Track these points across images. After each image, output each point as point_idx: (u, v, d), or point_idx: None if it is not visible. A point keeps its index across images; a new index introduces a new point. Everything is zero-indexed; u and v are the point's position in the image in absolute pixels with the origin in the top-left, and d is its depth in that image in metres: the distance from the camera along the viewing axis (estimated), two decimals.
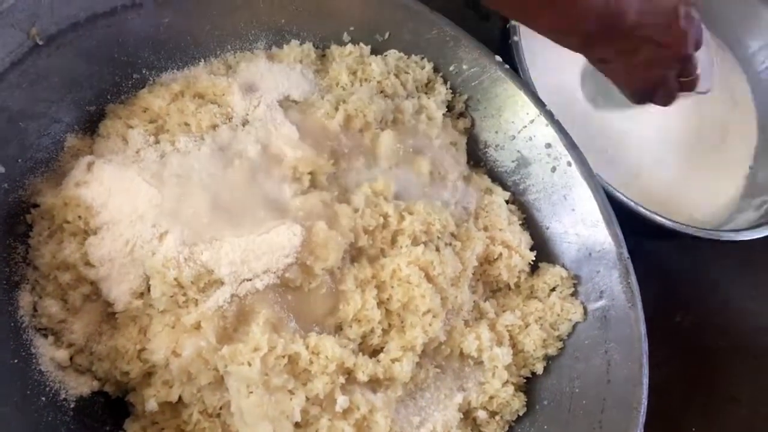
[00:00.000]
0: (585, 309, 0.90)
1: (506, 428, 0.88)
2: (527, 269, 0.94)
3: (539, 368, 0.89)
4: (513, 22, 1.04)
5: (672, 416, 1.09)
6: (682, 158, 1.23)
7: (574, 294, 0.92)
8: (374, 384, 0.81)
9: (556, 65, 1.06)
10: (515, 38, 1.04)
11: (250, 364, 0.72)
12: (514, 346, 0.89)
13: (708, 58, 0.91)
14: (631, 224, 0.94)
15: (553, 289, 0.92)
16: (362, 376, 0.78)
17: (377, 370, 0.79)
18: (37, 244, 0.78)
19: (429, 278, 0.83)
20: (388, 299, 0.82)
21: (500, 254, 0.91)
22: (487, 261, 0.92)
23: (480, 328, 0.87)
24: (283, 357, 0.74)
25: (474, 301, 0.90)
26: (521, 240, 0.93)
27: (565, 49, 0.80)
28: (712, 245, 1.08)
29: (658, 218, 1.03)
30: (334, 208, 0.84)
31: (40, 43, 0.78)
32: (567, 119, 0.96)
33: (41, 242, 0.78)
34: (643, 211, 1.02)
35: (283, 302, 0.79)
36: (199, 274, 0.75)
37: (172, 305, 0.76)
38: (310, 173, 0.84)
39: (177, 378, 0.75)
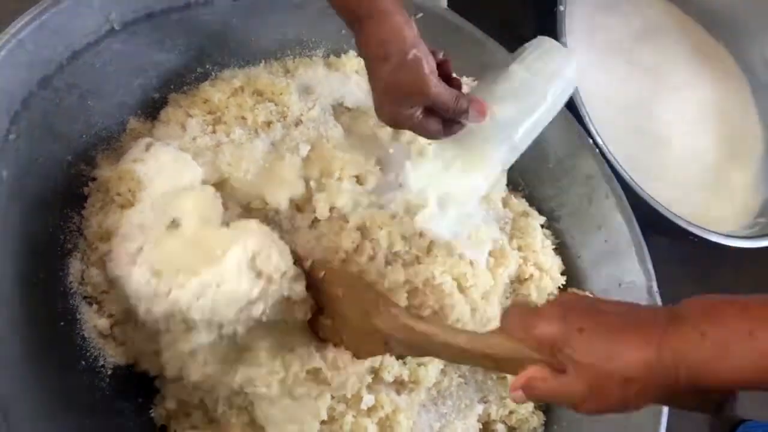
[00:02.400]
0: None
1: None
2: (556, 293, 0.96)
3: None
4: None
5: None
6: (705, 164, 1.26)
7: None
8: (399, 386, 0.83)
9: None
10: (560, 7, 1.07)
11: (268, 387, 0.74)
12: None
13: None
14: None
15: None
16: (388, 377, 0.80)
17: (403, 372, 0.81)
18: (89, 215, 0.82)
19: (461, 289, 0.85)
20: (419, 305, 0.84)
21: (532, 275, 0.93)
22: (518, 280, 0.94)
23: None
24: (303, 372, 0.76)
25: None
26: (553, 264, 0.95)
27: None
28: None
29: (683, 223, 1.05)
30: (370, 211, 0.86)
31: (117, 28, 0.82)
32: (603, 98, 1.02)
33: (93, 213, 0.81)
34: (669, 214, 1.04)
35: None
36: None
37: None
38: (356, 176, 0.87)
39: (193, 389, 0.78)
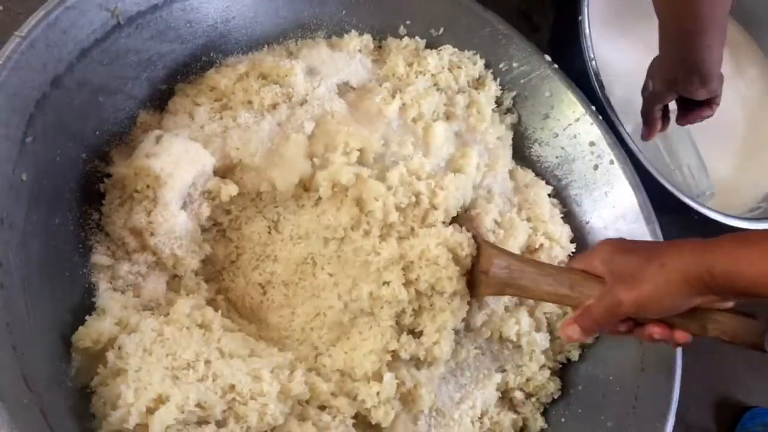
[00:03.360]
0: None
1: (541, 410, 0.93)
2: (566, 261, 0.98)
3: (575, 355, 0.93)
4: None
5: None
6: (725, 143, 1.29)
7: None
8: (418, 362, 0.85)
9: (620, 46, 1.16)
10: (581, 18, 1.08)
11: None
12: (551, 332, 0.93)
13: None
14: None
15: None
16: (405, 354, 0.83)
17: (419, 351, 0.83)
18: (109, 212, 0.83)
19: (456, 260, 0.86)
20: (416, 279, 0.84)
21: (542, 244, 0.95)
22: (528, 250, 0.96)
23: (520, 313, 0.91)
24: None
25: None
26: (562, 232, 0.97)
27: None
28: None
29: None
30: (368, 183, 0.87)
31: (122, 22, 0.82)
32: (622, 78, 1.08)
33: (113, 210, 0.83)
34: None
35: None
36: None
37: None
38: (360, 150, 0.89)
39: None
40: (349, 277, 0.88)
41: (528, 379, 0.91)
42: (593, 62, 1.05)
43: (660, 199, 0.97)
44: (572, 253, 0.98)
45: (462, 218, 0.93)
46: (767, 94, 1.37)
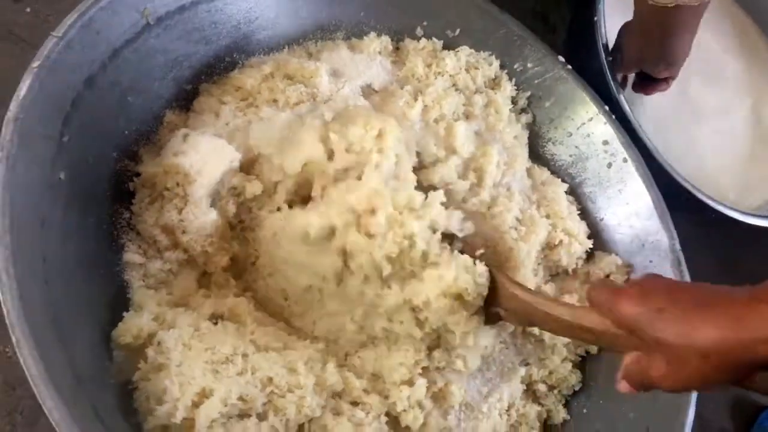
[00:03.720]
0: None
1: (563, 401, 0.95)
2: (584, 257, 1.00)
3: (595, 348, 0.96)
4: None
5: None
6: (737, 139, 1.32)
7: (628, 281, 0.98)
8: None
9: None
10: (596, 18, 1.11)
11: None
12: None
13: None
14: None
15: (608, 276, 0.99)
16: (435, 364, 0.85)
17: (450, 362, 0.86)
18: (139, 210, 0.83)
19: (464, 304, 0.82)
20: (426, 320, 0.83)
21: (561, 241, 0.97)
22: (548, 247, 0.98)
23: None
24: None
25: (536, 284, 0.96)
26: (580, 228, 0.99)
27: None
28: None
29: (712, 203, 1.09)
30: (351, 235, 0.82)
31: (151, 23, 0.83)
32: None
33: (143, 208, 0.83)
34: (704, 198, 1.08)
35: None
36: None
37: None
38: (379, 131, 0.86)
39: None
40: (360, 307, 0.85)
41: (551, 372, 0.93)
42: (609, 61, 1.08)
43: (675, 196, 0.99)
44: (589, 249, 1.00)
45: (476, 237, 0.91)
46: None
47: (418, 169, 0.93)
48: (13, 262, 0.62)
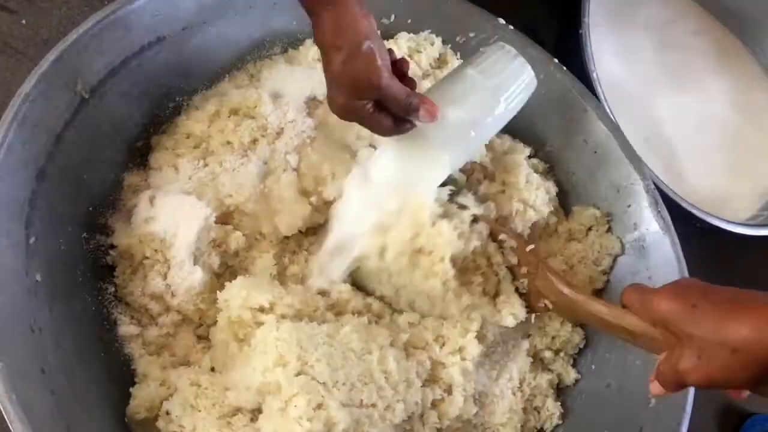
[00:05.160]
0: (622, 242, 0.98)
1: (571, 362, 0.97)
2: (553, 218, 1.01)
3: None
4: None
5: None
6: (720, 150, 1.34)
7: (610, 230, 0.99)
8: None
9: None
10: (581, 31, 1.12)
11: None
12: None
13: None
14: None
15: (590, 229, 1.00)
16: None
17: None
18: (123, 283, 0.84)
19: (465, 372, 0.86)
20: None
21: (517, 210, 0.97)
22: (503, 218, 0.97)
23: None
24: None
25: None
26: (537, 196, 0.98)
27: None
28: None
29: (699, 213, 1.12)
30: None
31: (86, 96, 0.82)
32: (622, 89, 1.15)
33: (127, 280, 0.84)
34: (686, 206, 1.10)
35: None
36: None
37: None
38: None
39: None
40: None
41: (553, 338, 0.95)
42: (594, 73, 1.08)
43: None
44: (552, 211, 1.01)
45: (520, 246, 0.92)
46: (760, 99, 1.41)
47: None
48: (13, 387, 0.63)
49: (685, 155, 1.28)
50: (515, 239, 0.90)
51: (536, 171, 1.03)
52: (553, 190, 1.02)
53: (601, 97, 1.07)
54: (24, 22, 1.07)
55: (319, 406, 0.72)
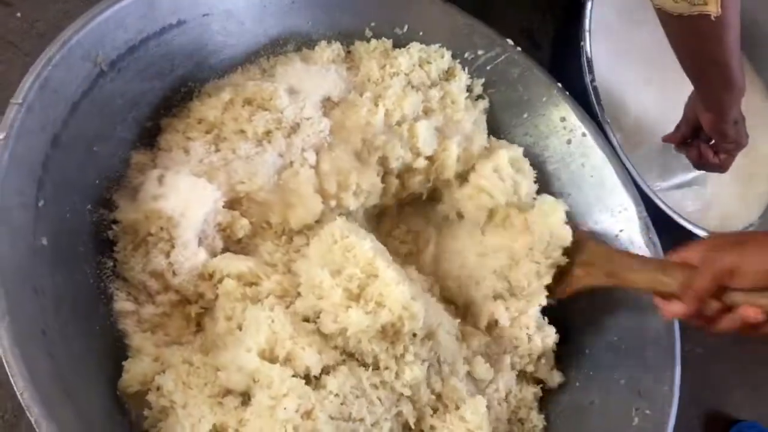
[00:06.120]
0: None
1: (553, 362, 0.99)
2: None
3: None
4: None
5: None
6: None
7: None
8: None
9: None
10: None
11: None
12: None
13: None
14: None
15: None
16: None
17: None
18: (124, 258, 0.84)
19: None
20: None
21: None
22: None
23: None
24: None
25: None
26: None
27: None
28: None
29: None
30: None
31: (105, 69, 0.82)
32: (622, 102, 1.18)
33: (128, 255, 0.84)
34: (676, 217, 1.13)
35: None
36: None
37: None
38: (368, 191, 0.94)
39: None
40: None
41: (529, 354, 0.97)
42: (594, 84, 1.10)
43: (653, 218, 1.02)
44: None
45: None
46: (760, 112, 1.45)
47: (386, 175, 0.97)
48: (17, 343, 0.63)
49: (682, 166, 1.31)
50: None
51: None
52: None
53: (597, 108, 1.10)
54: (19, 15, 1.08)
55: (308, 415, 0.73)
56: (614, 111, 1.23)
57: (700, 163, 1.15)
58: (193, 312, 0.84)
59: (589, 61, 1.10)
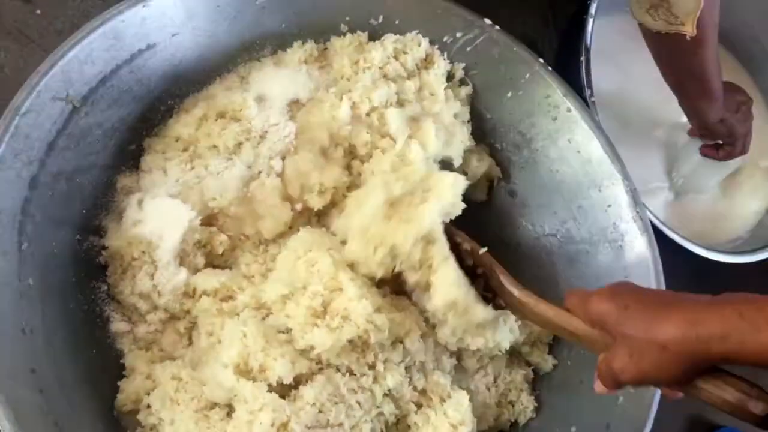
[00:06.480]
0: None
1: (547, 350, 1.01)
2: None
3: None
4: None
5: None
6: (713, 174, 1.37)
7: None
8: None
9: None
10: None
11: None
12: None
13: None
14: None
15: None
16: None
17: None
18: (115, 282, 0.90)
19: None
20: None
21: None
22: None
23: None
24: None
25: None
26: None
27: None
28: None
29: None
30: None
31: (77, 105, 0.86)
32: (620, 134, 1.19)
33: (117, 279, 0.89)
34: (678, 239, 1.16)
35: None
36: None
37: None
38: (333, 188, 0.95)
39: None
40: None
41: (530, 332, 0.99)
42: (593, 99, 1.12)
43: None
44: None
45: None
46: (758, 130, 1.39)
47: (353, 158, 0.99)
48: (2, 389, 0.68)
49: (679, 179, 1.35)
50: (469, 242, 0.91)
51: None
52: None
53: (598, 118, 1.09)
54: (39, 12, 1.12)
55: (284, 427, 0.78)
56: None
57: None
58: (182, 327, 0.90)
59: (589, 77, 1.13)
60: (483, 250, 0.90)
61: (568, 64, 1.18)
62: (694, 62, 1.01)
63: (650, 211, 1.09)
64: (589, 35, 1.16)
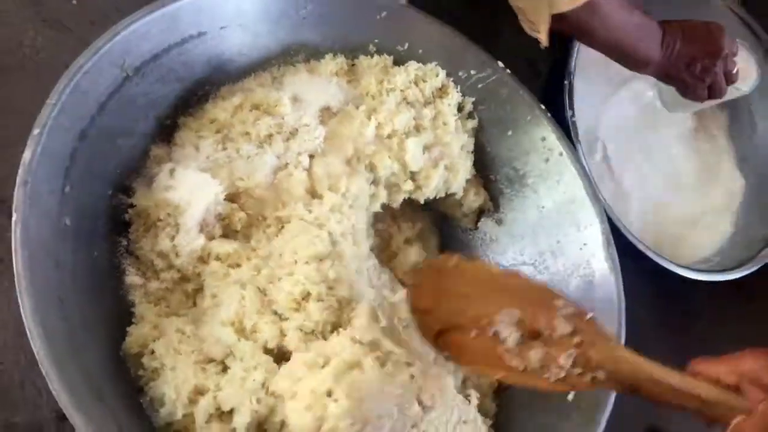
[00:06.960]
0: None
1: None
2: None
3: None
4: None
5: None
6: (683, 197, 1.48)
7: None
8: None
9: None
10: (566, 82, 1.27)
11: None
12: None
13: (749, 65, 1.25)
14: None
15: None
16: None
17: None
18: (136, 238, 0.97)
19: None
20: None
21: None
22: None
23: None
24: None
25: None
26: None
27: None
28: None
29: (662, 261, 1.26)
30: None
31: (130, 74, 0.95)
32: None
33: (139, 236, 0.97)
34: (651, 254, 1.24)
35: None
36: None
37: None
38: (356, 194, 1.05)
39: None
40: None
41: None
42: (573, 119, 1.23)
43: (618, 245, 1.10)
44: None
45: None
46: (721, 147, 1.54)
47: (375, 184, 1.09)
48: (37, 309, 0.76)
49: (646, 205, 1.43)
50: (572, 306, 0.82)
51: None
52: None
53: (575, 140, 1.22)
54: (75, 2, 1.20)
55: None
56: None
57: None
58: (190, 288, 0.97)
59: (571, 98, 1.24)
60: (590, 315, 0.81)
61: (556, 86, 1.29)
62: (598, 48, 1.08)
63: (629, 232, 1.22)
64: (573, 60, 1.27)
